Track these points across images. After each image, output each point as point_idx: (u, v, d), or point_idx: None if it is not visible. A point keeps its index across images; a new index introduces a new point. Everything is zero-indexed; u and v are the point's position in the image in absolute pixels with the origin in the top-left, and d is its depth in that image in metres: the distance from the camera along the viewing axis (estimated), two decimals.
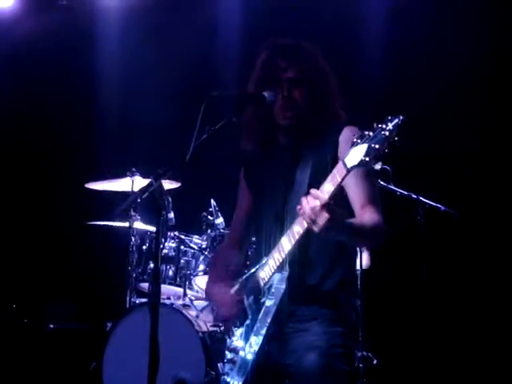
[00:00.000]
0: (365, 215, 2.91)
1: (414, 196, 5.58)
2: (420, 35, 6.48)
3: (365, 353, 5.51)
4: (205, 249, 5.50)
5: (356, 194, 2.97)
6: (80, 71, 7.09)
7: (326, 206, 2.62)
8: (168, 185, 5.32)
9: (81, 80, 7.10)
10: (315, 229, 2.66)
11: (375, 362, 5.59)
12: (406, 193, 5.56)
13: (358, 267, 5.50)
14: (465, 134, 6.33)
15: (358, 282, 5.54)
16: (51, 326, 6.13)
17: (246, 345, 3.00)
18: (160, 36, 7.01)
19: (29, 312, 6.23)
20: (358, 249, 5.47)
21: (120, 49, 7.17)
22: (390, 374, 5.80)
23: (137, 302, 5.41)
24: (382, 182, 5.35)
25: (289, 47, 3.15)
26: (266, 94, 3.05)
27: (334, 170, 2.65)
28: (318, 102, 3.08)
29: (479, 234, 6.43)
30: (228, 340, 3.12)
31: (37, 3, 7.21)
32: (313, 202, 2.64)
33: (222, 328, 3.30)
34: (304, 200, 2.67)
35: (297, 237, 2.82)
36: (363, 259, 5.69)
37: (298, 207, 2.70)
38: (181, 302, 5.37)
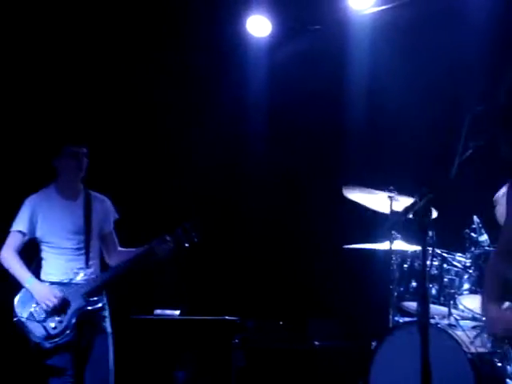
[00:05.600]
0: None
1: None
2: None
3: None
4: (469, 267, 5.32)
5: None
6: (331, 93, 7.27)
7: None
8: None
9: (332, 101, 7.28)
10: None
11: None
12: None
13: None
14: None
15: None
16: (316, 342, 6.27)
17: None
18: (409, 54, 6.95)
19: (294, 328, 6.43)
20: None
21: (370, 69, 7.23)
22: None
23: (400, 320, 5.37)
24: None
25: None
26: None
27: None
28: None
29: None
30: (508, 367, 2.98)
31: (291, 30, 7.51)
32: None
33: (493, 348, 3.16)
34: None
35: None
36: None
37: None
38: (446, 321, 5.25)
